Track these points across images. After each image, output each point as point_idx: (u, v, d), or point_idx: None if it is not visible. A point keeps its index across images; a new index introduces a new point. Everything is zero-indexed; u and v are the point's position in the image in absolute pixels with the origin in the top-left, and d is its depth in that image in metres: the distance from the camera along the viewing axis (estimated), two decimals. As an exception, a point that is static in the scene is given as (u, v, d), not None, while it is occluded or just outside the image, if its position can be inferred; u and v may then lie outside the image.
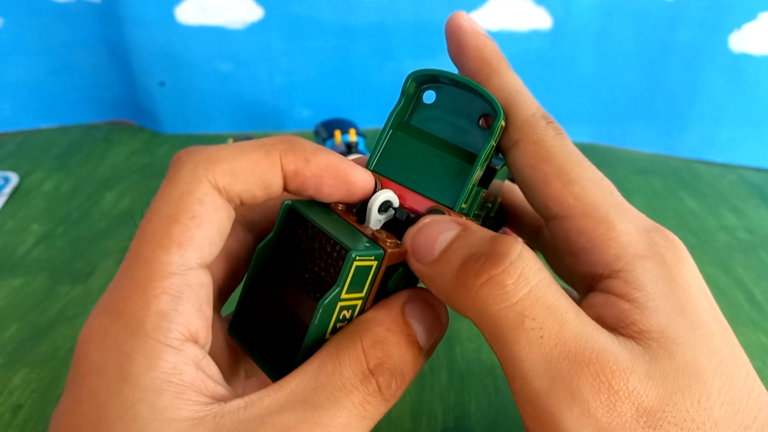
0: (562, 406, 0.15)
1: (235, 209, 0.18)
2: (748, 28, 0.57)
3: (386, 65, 0.65)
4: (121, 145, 0.64)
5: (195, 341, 0.16)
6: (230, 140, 0.48)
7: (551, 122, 0.19)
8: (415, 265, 0.18)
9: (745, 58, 0.58)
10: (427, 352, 0.18)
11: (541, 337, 0.15)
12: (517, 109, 0.19)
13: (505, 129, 0.19)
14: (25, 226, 0.48)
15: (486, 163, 0.19)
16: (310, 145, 0.18)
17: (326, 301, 0.17)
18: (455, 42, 0.20)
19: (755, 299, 0.41)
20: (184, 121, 0.67)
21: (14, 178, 0.55)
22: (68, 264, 0.43)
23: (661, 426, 0.15)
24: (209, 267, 0.17)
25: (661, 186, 0.57)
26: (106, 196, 0.53)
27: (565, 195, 0.18)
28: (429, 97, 0.21)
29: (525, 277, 0.15)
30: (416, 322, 0.18)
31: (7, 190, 0.53)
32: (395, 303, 0.18)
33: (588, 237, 0.17)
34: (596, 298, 0.17)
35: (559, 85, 0.64)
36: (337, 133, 0.50)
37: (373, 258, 0.17)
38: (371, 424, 0.16)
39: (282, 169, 0.17)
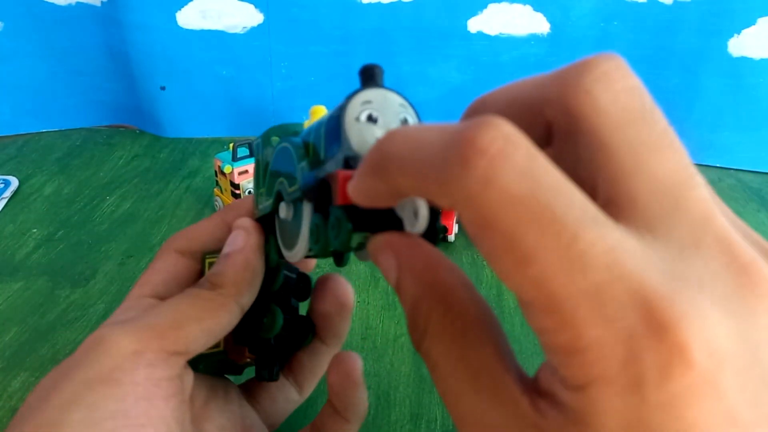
0: (597, 326, 0.11)
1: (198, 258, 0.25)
2: (747, 32, 0.57)
3: (386, 69, 0.64)
4: (121, 149, 0.64)
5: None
6: (230, 145, 0.48)
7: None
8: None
9: (744, 62, 0.58)
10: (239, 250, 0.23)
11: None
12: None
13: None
14: (25, 230, 0.48)
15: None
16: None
17: None
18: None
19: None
20: (185, 125, 0.67)
21: (14, 182, 0.55)
22: (68, 267, 0.43)
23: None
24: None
25: (660, 190, 0.58)
26: (106, 199, 0.53)
27: (519, 280, 0.12)
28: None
29: (428, 352, 0.15)
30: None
31: (8, 193, 0.53)
32: None
33: (549, 341, 0.12)
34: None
35: (558, 89, 0.64)
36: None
37: None
38: (212, 309, 0.21)
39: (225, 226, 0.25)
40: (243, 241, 0.23)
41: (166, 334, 0.19)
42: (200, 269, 0.25)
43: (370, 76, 0.18)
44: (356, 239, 0.16)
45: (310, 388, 0.28)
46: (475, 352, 0.14)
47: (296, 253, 0.20)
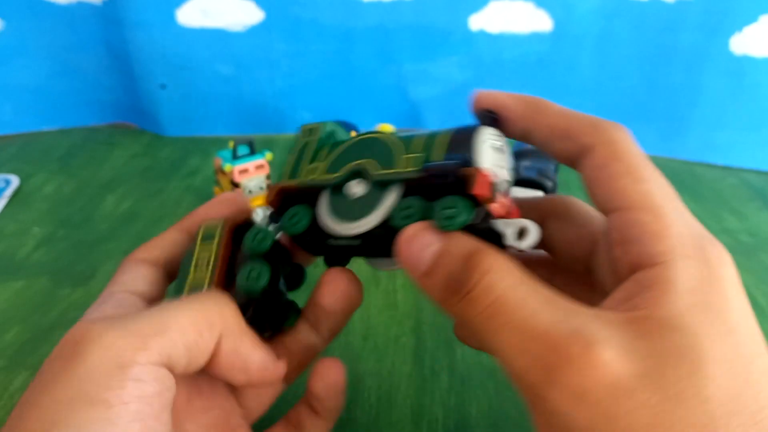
0: (543, 383, 0.16)
1: (163, 267, 0.24)
2: (749, 30, 0.57)
3: (387, 68, 0.65)
4: (122, 147, 0.64)
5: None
6: (231, 143, 0.48)
7: (618, 125, 0.20)
8: (409, 274, 0.20)
9: (746, 60, 0.58)
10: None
11: (512, 329, 0.17)
12: (582, 117, 0.21)
13: (576, 135, 0.21)
14: (26, 229, 0.48)
15: None
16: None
17: None
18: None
19: (757, 302, 0.41)
20: (186, 123, 0.67)
21: (15, 181, 0.55)
22: (69, 267, 0.43)
23: (636, 392, 0.15)
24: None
25: (662, 188, 0.57)
26: (107, 198, 0.53)
27: (630, 190, 0.19)
28: None
29: (492, 286, 0.18)
30: None
31: (8, 192, 0.53)
32: None
33: (642, 230, 0.18)
34: (628, 284, 0.18)
35: (559, 87, 0.64)
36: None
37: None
38: (204, 325, 0.20)
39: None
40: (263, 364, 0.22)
41: (150, 342, 0.18)
42: (160, 272, 0.24)
43: (495, 120, 0.21)
44: (459, 224, 0.19)
45: (293, 378, 0.26)
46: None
47: (359, 225, 0.21)
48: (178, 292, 0.23)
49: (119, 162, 0.61)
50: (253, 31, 0.62)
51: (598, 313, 0.17)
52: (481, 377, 0.34)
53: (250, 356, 0.21)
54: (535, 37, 0.62)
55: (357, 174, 0.22)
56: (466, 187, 0.19)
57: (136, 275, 0.23)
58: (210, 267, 0.23)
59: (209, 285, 0.22)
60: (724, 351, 0.16)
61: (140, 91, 0.66)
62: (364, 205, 0.21)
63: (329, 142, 0.25)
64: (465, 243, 0.19)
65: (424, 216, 0.20)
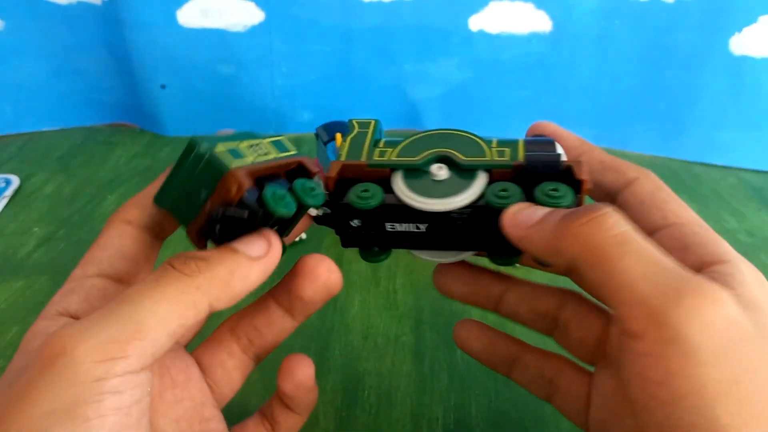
0: (670, 306, 0.17)
1: (152, 229, 0.23)
2: (748, 31, 0.57)
3: (387, 68, 0.65)
4: (122, 147, 0.64)
5: (74, 317, 0.20)
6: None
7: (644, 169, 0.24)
8: (514, 232, 0.21)
9: (745, 60, 0.58)
10: (254, 258, 0.20)
11: (645, 257, 0.18)
12: (620, 163, 0.24)
13: (623, 170, 0.24)
14: (26, 229, 0.48)
15: None
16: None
17: None
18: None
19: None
20: (186, 123, 0.67)
21: (16, 181, 0.55)
22: (69, 266, 0.43)
23: (754, 339, 0.17)
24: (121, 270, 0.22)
25: (661, 189, 0.58)
26: (107, 198, 0.53)
27: (680, 210, 0.22)
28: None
29: (621, 221, 0.19)
30: (236, 242, 0.20)
31: (9, 192, 0.53)
32: None
33: (700, 238, 0.21)
34: (709, 272, 0.20)
35: (559, 88, 0.64)
36: (339, 136, 0.51)
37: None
38: (183, 307, 0.18)
39: None
40: (263, 250, 0.20)
41: (129, 349, 0.17)
42: (151, 243, 0.22)
43: (552, 144, 0.24)
44: (567, 204, 0.21)
45: (262, 357, 0.26)
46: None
47: (451, 202, 0.22)
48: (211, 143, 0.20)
49: (119, 162, 0.61)
50: (253, 31, 0.62)
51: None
52: (481, 377, 0.34)
53: (246, 280, 0.20)
54: (535, 38, 0.62)
55: (441, 159, 0.23)
56: (572, 175, 0.21)
57: (122, 242, 0.22)
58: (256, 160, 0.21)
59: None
60: None
61: (140, 92, 0.66)
62: (450, 187, 0.22)
63: (380, 137, 0.26)
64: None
65: (521, 199, 0.21)
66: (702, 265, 0.20)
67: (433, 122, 0.67)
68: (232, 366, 0.25)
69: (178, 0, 0.60)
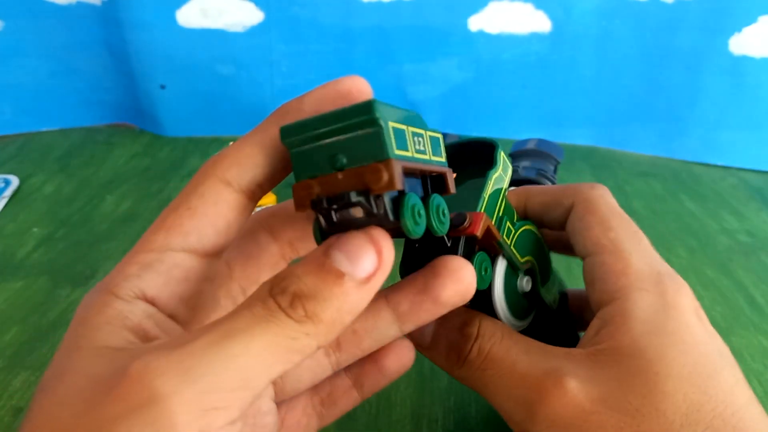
0: (526, 420, 0.19)
1: (251, 191, 0.19)
2: (748, 31, 0.57)
3: (386, 68, 0.65)
4: (121, 148, 0.64)
5: (150, 302, 0.17)
6: (230, 144, 0.48)
7: (596, 184, 0.24)
8: (417, 348, 0.23)
9: (745, 60, 0.58)
10: (363, 280, 0.16)
11: (500, 377, 0.21)
12: (565, 186, 0.25)
13: (560, 200, 0.25)
14: (25, 229, 0.48)
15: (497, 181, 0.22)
16: (296, 103, 0.19)
17: None
18: None
19: (756, 302, 0.41)
20: (185, 123, 0.67)
21: (15, 181, 0.55)
22: (69, 267, 0.43)
23: (598, 414, 0.18)
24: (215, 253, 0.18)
25: (661, 189, 0.58)
26: (106, 199, 0.53)
27: (601, 237, 0.22)
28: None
29: (482, 348, 0.22)
30: (338, 252, 0.16)
31: (8, 192, 0.53)
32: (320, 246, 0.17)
33: (605, 269, 0.21)
34: (594, 321, 0.21)
35: (559, 88, 0.64)
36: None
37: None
38: (291, 354, 0.15)
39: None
40: (373, 266, 0.16)
41: (233, 400, 0.15)
42: (247, 208, 0.19)
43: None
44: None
45: (327, 423, 0.24)
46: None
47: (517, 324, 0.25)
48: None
49: (119, 162, 0.61)
50: (253, 31, 0.62)
51: (567, 352, 0.20)
52: (480, 377, 0.34)
53: (356, 312, 0.17)
54: (535, 38, 0.62)
55: (529, 271, 0.26)
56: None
57: (218, 210, 0.18)
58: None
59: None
60: (681, 369, 0.19)
61: (140, 92, 0.66)
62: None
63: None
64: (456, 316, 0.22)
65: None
66: (599, 305, 0.21)
67: (433, 122, 0.67)
68: (305, 364, 0.22)
69: (177, 0, 0.60)
